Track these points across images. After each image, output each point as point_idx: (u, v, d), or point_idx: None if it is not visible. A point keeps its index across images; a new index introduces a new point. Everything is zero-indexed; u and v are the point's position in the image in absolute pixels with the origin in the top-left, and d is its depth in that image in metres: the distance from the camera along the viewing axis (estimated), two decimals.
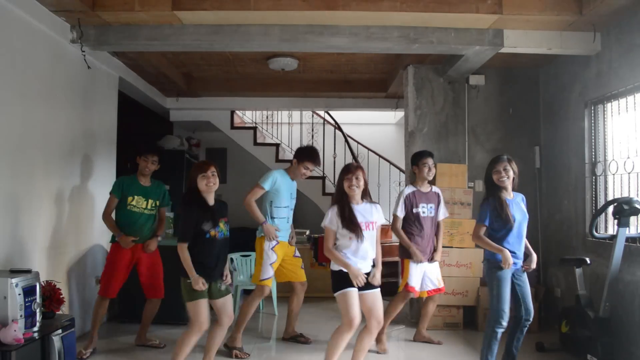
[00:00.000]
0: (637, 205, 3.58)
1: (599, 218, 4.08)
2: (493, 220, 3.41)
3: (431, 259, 4.23)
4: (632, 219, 3.68)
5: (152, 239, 4.12)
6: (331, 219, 3.17)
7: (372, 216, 3.20)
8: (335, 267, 3.18)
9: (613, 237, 3.73)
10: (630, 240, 3.75)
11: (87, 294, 4.54)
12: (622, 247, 3.64)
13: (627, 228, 3.62)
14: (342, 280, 3.12)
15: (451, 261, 4.78)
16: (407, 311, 5.20)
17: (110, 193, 4.08)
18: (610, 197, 4.19)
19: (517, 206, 3.48)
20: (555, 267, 4.88)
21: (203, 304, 3.19)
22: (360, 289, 3.14)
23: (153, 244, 4.10)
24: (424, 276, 4.22)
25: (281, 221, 4.14)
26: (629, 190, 3.92)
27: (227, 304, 3.33)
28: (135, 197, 4.06)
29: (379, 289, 3.21)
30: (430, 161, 4.23)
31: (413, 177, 4.40)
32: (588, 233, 4.17)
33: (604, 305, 3.66)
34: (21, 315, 2.79)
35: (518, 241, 3.43)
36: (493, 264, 3.40)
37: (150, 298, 4.14)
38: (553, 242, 4.98)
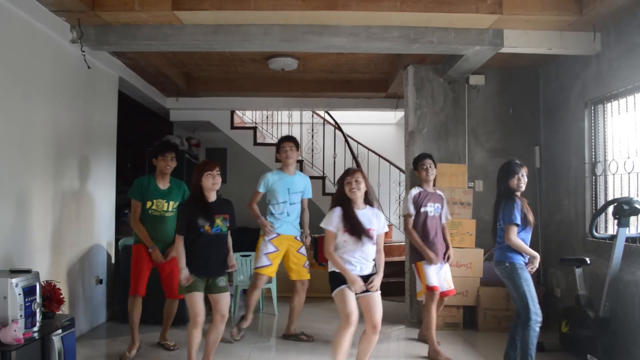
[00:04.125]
0: (637, 205, 3.58)
1: (599, 218, 4.08)
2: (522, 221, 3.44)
3: (445, 259, 4.22)
4: (632, 219, 3.68)
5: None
6: (332, 220, 3.15)
7: (371, 224, 3.16)
8: (332, 267, 3.19)
9: (613, 237, 3.73)
10: (630, 240, 3.75)
11: (87, 294, 4.55)
12: (622, 247, 3.63)
13: (627, 228, 3.62)
14: (338, 280, 3.14)
15: (451, 261, 4.78)
16: (407, 311, 5.20)
17: (129, 197, 3.99)
18: (610, 197, 4.19)
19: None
20: (555, 267, 4.88)
21: (196, 296, 3.30)
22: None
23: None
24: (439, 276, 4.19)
25: (281, 216, 4.34)
26: (629, 190, 3.92)
27: (221, 301, 3.36)
28: (155, 200, 3.97)
29: (378, 292, 3.18)
30: (428, 162, 4.28)
31: (415, 180, 4.44)
32: (588, 233, 4.17)
33: (604, 305, 3.66)
34: (21, 315, 2.79)
35: (528, 241, 3.47)
36: (518, 266, 3.41)
37: (168, 298, 4.11)
38: (553, 242, 4.98)
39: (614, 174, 4.12)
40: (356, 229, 3.11)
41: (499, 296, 4.70)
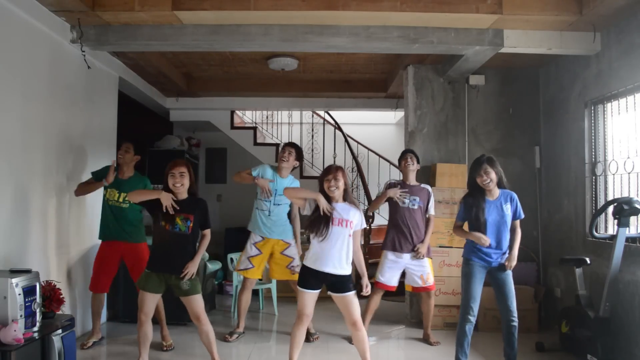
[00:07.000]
0: (637, 205, 3.58)
1: (599, 218, 4.08)
2: (466, 218, 3.59)
3: (414, 251, 4.23)
4: (632, 219, 3.68)
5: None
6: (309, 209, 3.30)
7: (348, 215, 3.22)
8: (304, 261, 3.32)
9: (613, 237, 3.73)
10: (630, 240, 3.75)
11: (88, 294, 4.53)
12: (622, 247, 3.63)
13: (627, 228, 3.62)
14: (302, 276, 3.31)
15: (451, 261, 4.79)
16: (407, 311, 5.20)
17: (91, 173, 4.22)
18: (610, 197, 4.19)
19: (495, 207, 3.49)
20: (555, 267, 4.88)
21: (144, 295, 3.33)
22: (331, 291, 3.25)
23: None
24: (406, 272, 4.32)
25: (262, 213, 4.33)
26: (629, 190, 3.92)
27: (188, 304, 3.38)
28: (109, 189, 4.10)
29: (351, 293, 3.23)
30: (408, 156, 4.39)
31: (419, 178, 4.54)
32: (588, 233, 4.17)
33: (604, 305, 3.66)
34: (21, 315, 2.79)
35: (492, 240, 3.46)
36: (464, 261, 3.58)
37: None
38: (553, 242, 4.98)
39: (614, 174, 4.12)
40: (318, 222, 3.18)
41: None
